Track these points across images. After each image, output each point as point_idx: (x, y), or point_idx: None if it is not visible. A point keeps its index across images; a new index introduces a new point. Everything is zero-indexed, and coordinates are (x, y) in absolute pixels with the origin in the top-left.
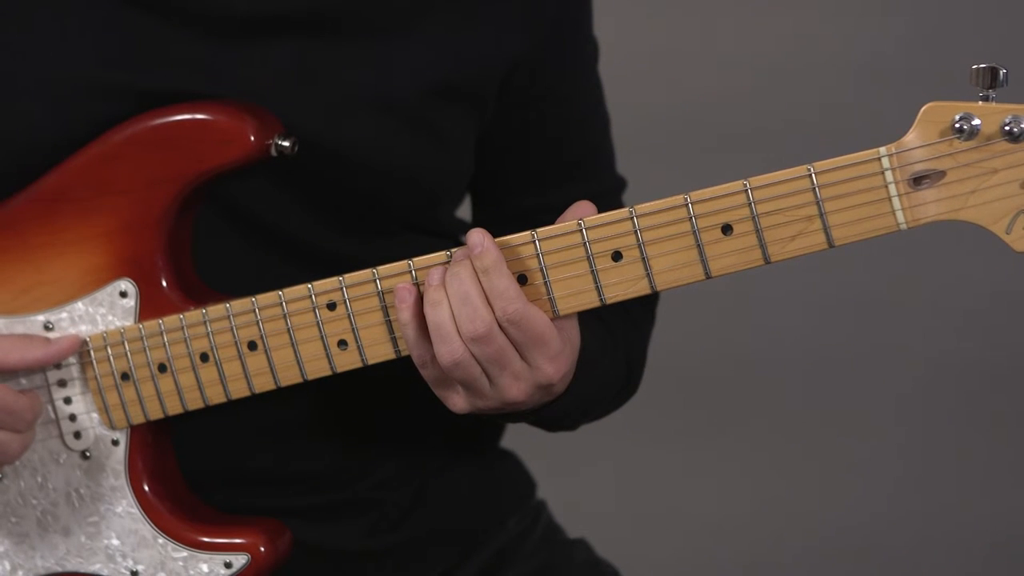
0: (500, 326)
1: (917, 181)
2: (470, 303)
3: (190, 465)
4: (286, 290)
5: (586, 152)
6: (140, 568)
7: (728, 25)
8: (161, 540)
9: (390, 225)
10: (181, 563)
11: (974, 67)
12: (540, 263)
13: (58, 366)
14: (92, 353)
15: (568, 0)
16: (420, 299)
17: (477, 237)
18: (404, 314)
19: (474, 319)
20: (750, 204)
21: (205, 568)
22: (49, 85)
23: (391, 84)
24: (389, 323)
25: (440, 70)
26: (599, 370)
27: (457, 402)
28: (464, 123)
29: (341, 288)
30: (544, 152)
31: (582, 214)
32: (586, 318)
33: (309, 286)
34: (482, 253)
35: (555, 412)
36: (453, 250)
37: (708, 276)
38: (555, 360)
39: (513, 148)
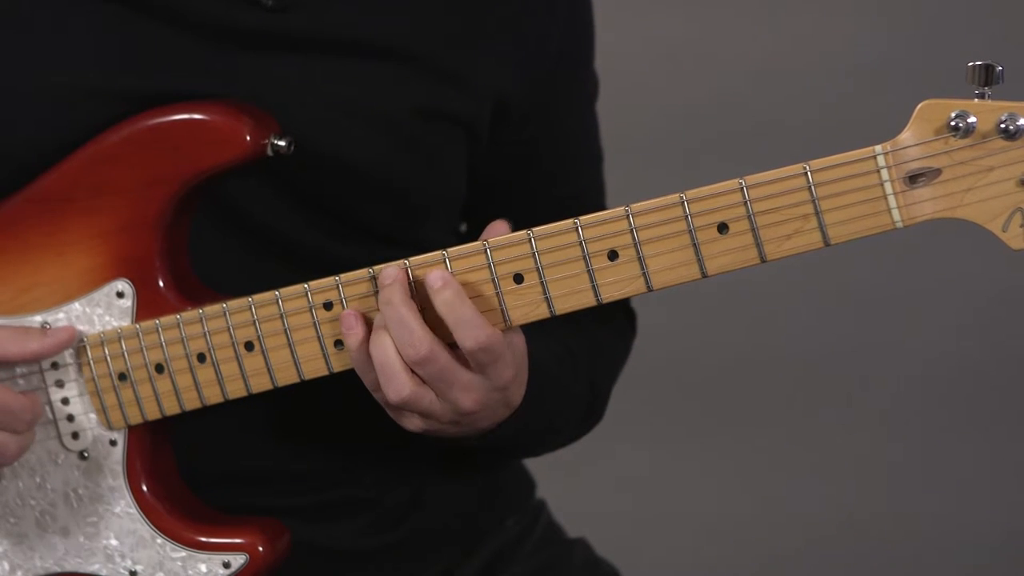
0: (470, 353)
1: (913, 179)
2: (406, 327)
3: (189, 464)
4: (283, 290)
5: (577, 190)
6: (139, 568)
7: (724, 24)
8: (160, 540)
9: (381, 235)
10: (180, 563)
11: (970, 64)
12: (536, 262)
13: (55, 366)
14: (89, 353)
15: (569, 41)
16: (368, 328)
17: (438, 273)
18: (351, 341)
19: (413, 343)
20: (746, 203)
21: (204, 568)
22: (50, 88)
23: (386, 102)
24: None
25: (434, 97)
26: (557, 386)
27: (411, 422)
28: (456, 148)
29: (337, 287)
30: (536, 187)
31: (495, 233)
32: (543, 338)
33: (305, 286)
34: (444, 287)
35: (514, 427)
36: (449, 250)
37: (704, 275)
38: (507, 365)
39: (507, 181)
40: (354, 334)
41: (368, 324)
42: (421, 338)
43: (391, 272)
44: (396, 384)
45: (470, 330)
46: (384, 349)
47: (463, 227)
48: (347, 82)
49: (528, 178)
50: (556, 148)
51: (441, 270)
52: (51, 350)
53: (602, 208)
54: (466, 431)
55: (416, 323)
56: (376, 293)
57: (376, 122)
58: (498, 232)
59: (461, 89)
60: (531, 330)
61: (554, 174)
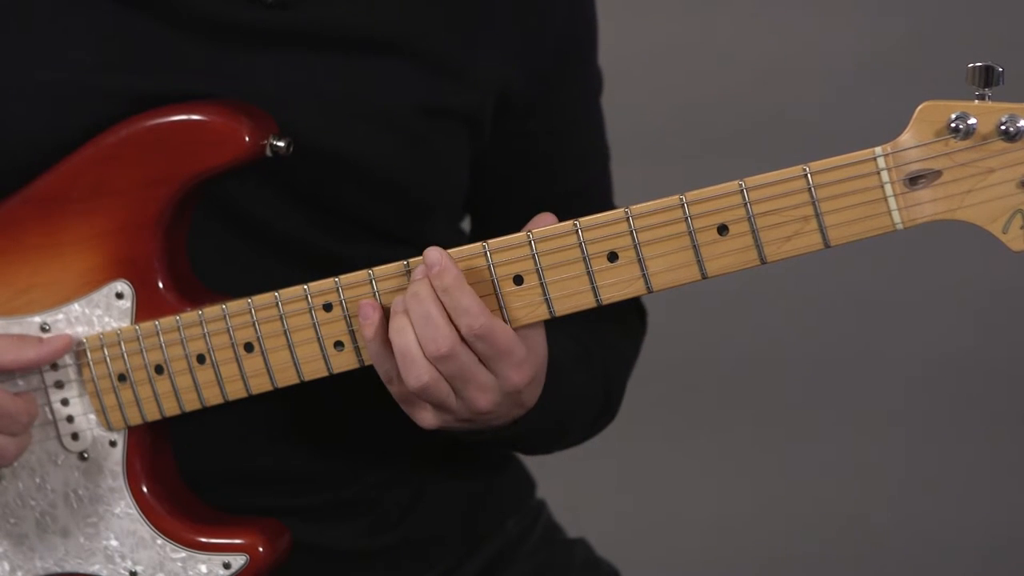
0: (466, 341)
1: (913, 181)
2: (432, 322)
3: (189, 465)
4: (282, 291)
5: (582, 185)
6: (139, 569)
7: (724, 25)
8: (160, 541)
9: (382, 233)
10: (180, 564)
11: (970, 66)
12: (536, 264)
13: (55, 367)
14: (89, 355)
15: (571, 35)
16: (384, 317)
17: (435, 256)
18: (368, 331)
19: (436, 338)
20: (746, 204)
21: (204, 569)
22: (49, 87)
23: (387, 99)
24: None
25: (435, 92)
26: (572, 385)
27: (425, 418)
28: (458, 142)
29: (337, 289)
30: (540, 182)
31: (543, 224)
32: (559, 336)
33: (305, 287)
34: (441, 272)
35: (528, 425)
36: (449, 251)
37: (704, 276)
38: (520, 367)
39: (511, 175)
40: (371, 323)
41: (385, 314)
42: (445, 335)
43: (422, 270)
44: (416, 370)
45: (464, 318)
46: (405, 335)
47: (465, 224)
48: (348, 79)
49: (531, 173)
50: (559, 142)
51: (441, 252)
52: (48, 358)
53: (609, 205)
54: (478, 427)
55: (442, 320)
56: (376, 294)
57: (377, 119)
58: (545, 223)
59: (463, 83)
60: (545, 327)
61: (556, 168)
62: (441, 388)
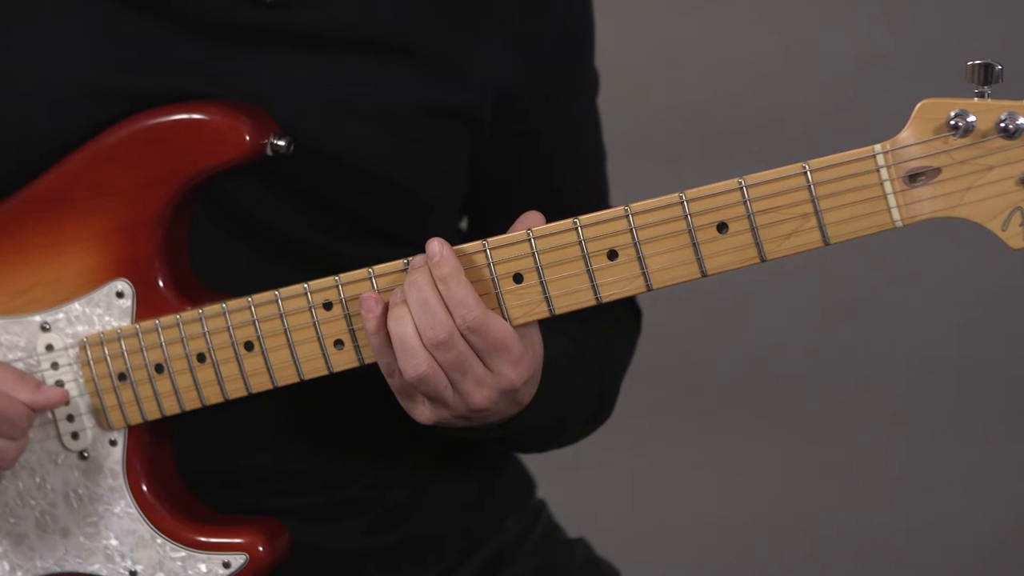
0: (461, 333)
1: (912, 178)
2: (430, 309)
3: (188, 465)
4: (282, 289)
5: (579, 184)
6: (139, 568)
7: (724, 24)
8: (160, 540)
9: (382, 233)
10: (180, 563)
11: (969, 63)
12: (536, 262)
13: (55, 366)
14: (89, 353)
15: (569, 35)
16: (387, 310)
17: (435, 246)
18: (370, 324)
19: (434, 325)
20: (745, 202)
21: (203, 568)
22: (48, 88)
23: (387, 99)
24: None
25: (435, 92)
26: (567, 384)
27: (423, 412)
28: (457, 142)
29: (337, 287)
30: (537, 182)
31: (531, 224)
32: (554, 335)
33: (305, 285)
34: (440, 262)
35: (524, 423)
36: (454, 247)
37: (704, 274)
38: (517, 365)
39: (508, 176)
40: (373, 316)
41: (386, 307)
42: (443, 322)
43: (421, 259)
44: (414, 359)
45: (459, 309)
46: (404, 325)
47: (463, 224)
48: (348, 79)
49: (528, 172)
50: (556, 141)
51: (441, 243)
52: (39, 405)
53: (605, 206)
54: (474, 424)
55: (440, 308)
56: (376, 292)
57: (377, 118)
58: (533, 222)
59: (463, 83)
60: (540, 326)
61: (554, 168)
62: (439, 379)
